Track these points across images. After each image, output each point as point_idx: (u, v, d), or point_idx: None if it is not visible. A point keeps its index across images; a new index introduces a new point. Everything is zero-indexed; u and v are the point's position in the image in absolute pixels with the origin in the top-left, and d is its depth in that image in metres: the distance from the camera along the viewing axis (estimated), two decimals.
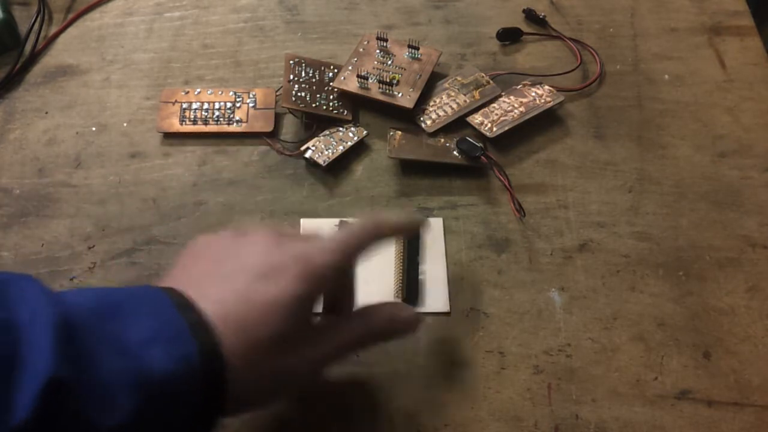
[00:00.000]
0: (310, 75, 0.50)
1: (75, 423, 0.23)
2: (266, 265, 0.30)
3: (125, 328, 0.26)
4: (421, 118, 0.49)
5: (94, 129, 0.50)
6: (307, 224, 0.45)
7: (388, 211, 0.40)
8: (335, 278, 0.32)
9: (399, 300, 0.41)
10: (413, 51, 0.51)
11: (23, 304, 0.25)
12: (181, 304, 0.28)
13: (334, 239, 0.32)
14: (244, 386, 0.28)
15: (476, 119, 0.48)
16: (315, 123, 0.49)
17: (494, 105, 0.49)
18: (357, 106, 0.50)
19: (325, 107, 0.49)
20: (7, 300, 0.25)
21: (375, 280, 0.42)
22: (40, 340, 0.23)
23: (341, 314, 0.35)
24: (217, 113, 0.49)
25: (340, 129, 0.48)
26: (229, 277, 0.30)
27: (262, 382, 0.29)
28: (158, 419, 0.26)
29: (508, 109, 0.49)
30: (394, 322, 0.34)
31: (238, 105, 0.50)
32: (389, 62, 0.51)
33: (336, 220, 0.44)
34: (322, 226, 0.44)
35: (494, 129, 0.47)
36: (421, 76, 0.50)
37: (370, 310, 0.34)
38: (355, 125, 0.49)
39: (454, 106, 0.49)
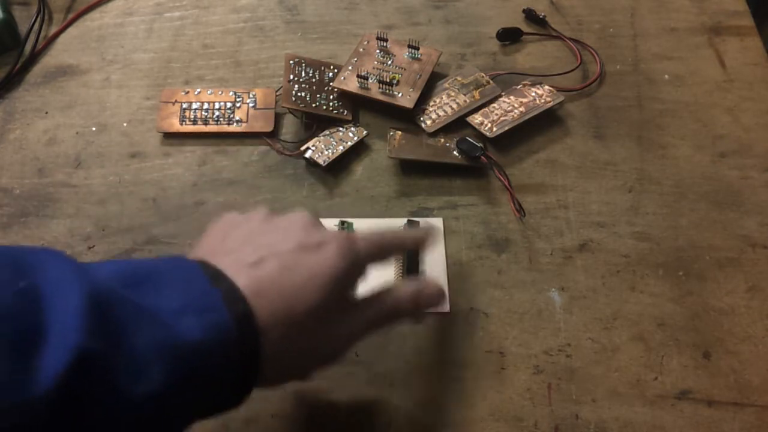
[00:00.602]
0: (310, 75, 0.50)
1: (105, 393, 0.23)
2: (308, 239, 0.29)
3: (156, 298, 0.25)
4: (421, 118, 0.49)
5: (94, 129, 0.50)
6: None
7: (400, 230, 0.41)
8: (366, 266, 0.32)
9: None
10: (413, 51, 0.51)
11: (44, 273, 0.24)
12: (214, 275, 0.27)
13: (370, 234, 0.32)
14: (278, 357, 0.28)
15: (476, 119, 0.48)
16: (315, 123, 0.49)
17: (494, 105, 0.49)
18: (357, 106, 0.50)
19: (325, 107, 0.49)
20: (26, 268, 0.24)
21: (375, 281, 0.42)
22: (67, 310, 0.23)
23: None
24: (217, 113, 0.49)
25: (340, 129, 0.48)
26: (269, 246, 0.29)
27: (296, 355, 0.29)
28: (191, 389, 0.25)
29: (508, 109, 0.49)
30: (421, 295, 0.34)
31: (238, 105, 0.50)
32: (389, 62, 0.51)
33: (336, 220, 0.44)
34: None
35: (494, 129, 0.47)
36: (421, 76, 0.50)
37: (398, 285, 0.34)
38: (355, 125, 0.49)
39: (454, 106, 0.49)
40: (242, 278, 0.27)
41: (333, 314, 0.30)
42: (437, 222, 0.44)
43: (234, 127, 0.49)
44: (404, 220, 0.44)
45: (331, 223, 0.44)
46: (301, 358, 0.29)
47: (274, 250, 0.29)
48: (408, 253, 0.42)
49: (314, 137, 0.48)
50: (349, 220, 0.44)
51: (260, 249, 0.29)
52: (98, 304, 0.24)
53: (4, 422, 0.21)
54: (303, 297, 0.28)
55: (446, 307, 0.41)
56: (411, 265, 0.42)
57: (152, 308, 0.25)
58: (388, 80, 0.48)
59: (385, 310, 0.33)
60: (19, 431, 0.21)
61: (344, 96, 0.50)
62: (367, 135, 0.48)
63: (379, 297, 0.33)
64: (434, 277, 0.42)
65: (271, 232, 0.30)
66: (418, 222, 0.44)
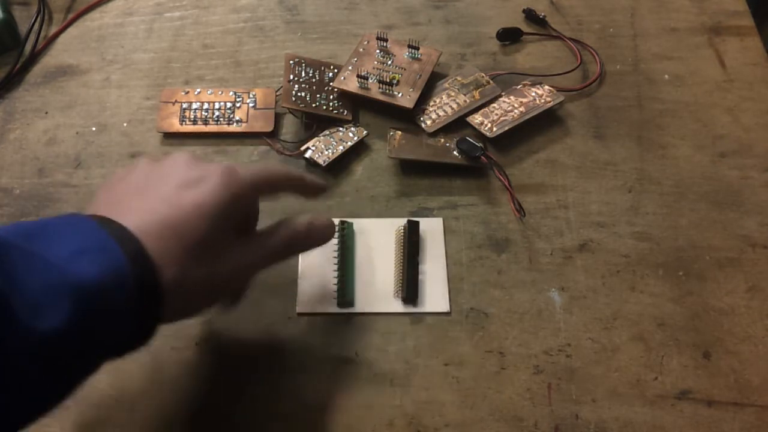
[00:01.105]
0: (310, 75, 0.50)
1: (12, 329, 0.24)
2: (189, 176, 0.32)
3: (51, 246, 0.27)
4: (421, 118, 0.49)
5: (94, 129, 0.50)
6: None
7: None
8: (252, 196, 0.34)
9: (398, 298, 0.42)
10: (413, 51, 0.51)
11: None
12: (103, 221, 0.29)
13: (253, 167, 0.34)
14: (176, 291, 0.29)
15: (476, 119, 0.48)
16: (315, 123, 0.49)
17: (494, 105, 0.49)
18: (357, 106, 0.50)
19: (325, 107, 0.49)
20: None
21: (374, 279, 0.42)
22: None
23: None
24: (217, 113, 0.49)
25: (340, 129, 0.48)
26: (152, 189, 0.31)
27: (195, 286, 0.30)
28: (96, 326, 0.27)
29: (508, 109, 0.49)
30: (312, 226, 0.36)
31: (238, 105, 0.50)
32: (389, 62, 0.51)
33: (336, 221, 0.44)
34: None
35: (494, 129, 0.47)
36: (421, 76, 0.50)
37: (290, 219, 0.36)
38: (355, 125, 0.49)
39: (454, 106, 0.49)
40: (131, 221, 0.29)
41: (224, 242, 0.31)
42: (437, 222, 0.44)
43: (234, 127, 0.49)
44: (404, 220, 0.44)
45: None
46: (201, 289, 0.31)
47: (158, 192, 0.31)
48: (408, 244, 0.42)
49: (314, 137, 0.48)
50: (349, 220, 0.44)
51: (145, 194, 0.31)
52: None
53: None
54: (190, 228, 0.30)
55: (446, 307, 0.41)
56: (410, 264, 0.42)
57: (47, 254, 0.26)
58: (388, 80, 0.48)
59: (281, 240, 0.35)
60: None
61: (344, 96, 0.50)
62: (367, 135, 0.48)
63: (275, 228, 0.35)
64: (436, 277, 0.42)
65: (153, 178, 0.32)
66: (417, 222, 0.44)
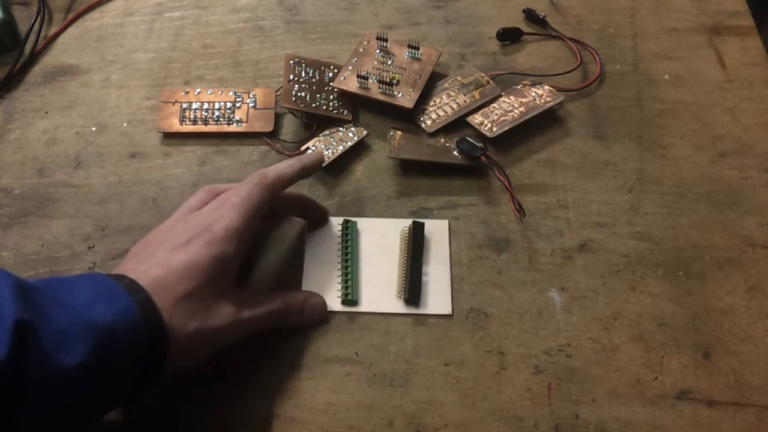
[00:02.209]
0: (310, 75, 0.50)
1: (41, 361, 0.27)
2: (179, 240, 0.36)
3: (70, 296, 0.31)
4: (421, 118, 0.49)
5: (94, 129, 0.50)
6: None
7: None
8: (239, 236, 0.36)
9: (401, 299, 0.42)
10: (413, 51, 0.51)
11: None
12: (116, 276, 0.33)
13: (236, 203, 0.37)
14: (178, 338, 0.33)
15: (476, 119, 0.48)
16: (315, 123, 0.49)
17: (494, 105, 0.49)
18: (357, 106, 0.50)
19: (325, 107, 0.49)
20: None
21: (378, 280, 0.42)
22: (2, 294, 0.28)
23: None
24: (217, 113, 0.49)
25: (340, 129, 0.48)
26: (153, 254, 0.35)
27: (190, 333, 0.34)
28: (112, 362, 0.30)
29: (508, 109, 0.49)
30: (306, 305, 0.40)
31: (238, 105, 0.50)
32: (389, 62, 0.51)
33: (340, 219, 0.44)
34: (326, 224, 0.45)
35: (494, 129, 0.47)
36: (421, 76, 0.50)
37: (288, 292, 0.41)
38: (355, 125, 0.49)
39: (454, 106, 0.49)
40: (139, 277, 0.33)
41: (216, 297, 0.35)
42: (442, 224, 0.44)
43: (234, 127, 0.49)
44: (409, 221, 0.44)
45: (334, 222, 0.44)
46: (195, 340, 0.34)
47: (153, 256, 0.35)
48: (412, 245, 0.42)
49: (314, 137, 0.48)
50: (353, 219, 0.44)
51: (147, 258, 0.35)
52: (23, 289, 0.29)
53: None
54: (182, 285, 0.34)
55: (449, 310, 0.41)
56: (414, 266, 0.42)
57: (67, 302, 0.30)
58: (388, 80, 0.48)
59: (274, 309, 0.39)
60: None
61: (344, 96, 0.50)
62: (367, 135, 0.48)
63: (273, 296, 0.39)
64: (439, 279, 0.42)
65: (156, 243, 0.36)
66: (423, 223, 0.44)
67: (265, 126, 0.49)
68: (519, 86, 0.50)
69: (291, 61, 0.50)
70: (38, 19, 0.55)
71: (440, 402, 0.38)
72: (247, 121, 0.49)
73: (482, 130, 0.48)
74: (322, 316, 0.41)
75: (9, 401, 0.26)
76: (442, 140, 0.48)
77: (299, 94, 0.49)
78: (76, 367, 0.28)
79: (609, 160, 0.48)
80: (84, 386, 0.29)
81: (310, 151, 0.47)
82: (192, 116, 0.49)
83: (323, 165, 0.46)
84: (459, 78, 0.51)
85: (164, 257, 0.35)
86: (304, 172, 0.42)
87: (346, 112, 0.49)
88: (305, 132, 0.49)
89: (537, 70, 0.52)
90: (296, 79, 0.50)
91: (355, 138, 0.48)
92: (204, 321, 0.34)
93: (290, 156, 0.48)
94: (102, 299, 0.31)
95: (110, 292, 0.32)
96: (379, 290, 0.42)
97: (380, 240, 0.44)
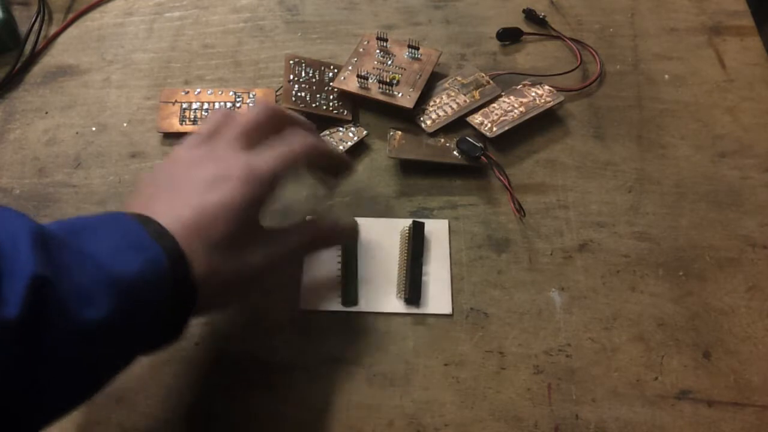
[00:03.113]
0: (310, 75, 0.50)
1: (60, 316, 0.26)
2: (211, 176, 0.33)
3: (95, 243, 0.29)
4: (421, 118, 0.49)
5: (94, 129, 0.50)
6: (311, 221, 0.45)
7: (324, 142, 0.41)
8: (273, 188, 0.35)
9: (401, 299, 0.42)
10: (413, 51, 0.51)
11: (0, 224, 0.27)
12: (142, 219, 0.31)
13: (274, 151, 0.35)
14: (207, 284, 0.31)
15: (476, 119, 0.48)
16: (315, 123, 0.49)
17: (494, 105, 0.49)
18: (357, 106, 0.50)
19: (325, 107, 0.49)
20: None
21: (378, 280, 0.42)
22: (21, 248, 0.26)
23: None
24: None
25: (340, 129, 0.48)
26: (179, 190, 0.33)
27: (224, 279, 0.32)
28: (136, 316, 0.29)
29: (508, 109, 0.49)
30: (337, 226, 0.40)
31: (238, 105, 0.50)
32: (389, 62, 0.51)
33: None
34: None
35: (494, 129, 0.47)
36: (421, 76, 0.50)
37: (317, 219, 0.41)
38: (355, 125, 0.49)
39: (454, 106, 0.49)
40: (166, 220, 0.31)
41: (250, 237, 0.34)
42: (442, 224, 0.44)
43: None
44: (409, 221, 0.44)
45: None
46: (230, 282, 0.33)
47: (182, 195, 0.33)
48: (413, 243, 0.42)
49: None
50: (357, 219, 0.44)
51: (173, 194, 0.33)
52: (46, 242, 0.27)
53: None
54: (213, 229, 0.32)
55: (449, 309, 0.41)
56: (414, 265, 0.42)
57: (91, 251, 0.28)
58: (388, 80, 0.48)
59: (306, 236, 0.38)
60: None
61: (344, 96, 0.50)
62: (367, 135, 0.48)
63: (302, 225, 0.39)
64: (439, 279, 0.42)
65: (181, 178, 0.34)
66: (423, 223, 0.44)
67: None
68: (519, 86, 0.50)
69: (291, 61, 0.50)
70: (38, 19, 0.55)
71: (440, 402, 0.38)
72: None
73: (482, 130, 0.48)
74: (355, 234, 0.42)
75: (27, 356, 0.25)
76: (442, 140, 0.48)
77: (299, 94, 0.49)
78: (99, 321, 0.27)
79: (609, 160, 0.48)
80: (107, 339, 0.28)
81: None
82: (192, 116, 0.49)
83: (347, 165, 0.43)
84: (459, 78, 0.51)
85: (195, 195, 0.32)
86: (328, 160, 0.40)
87: (346, 112, 0.49)
88: None
89: (537, 70, 0.52)
90: (296, 79, 0.50)
91: (355, 138, 0.48)
92: (238, 265, 0.33)
93: None
94: (128, 247, 0.29)
95: (136, 239, 0.30)
96: (379, 290, 0.42)
97: (380, 240, 0.44)
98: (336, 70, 0.51)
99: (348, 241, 0.43)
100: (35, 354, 0.25)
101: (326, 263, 0.43)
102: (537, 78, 0.51)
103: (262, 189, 0.34)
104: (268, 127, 0.37)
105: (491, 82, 0.50)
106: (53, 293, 0.26)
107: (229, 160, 0.34)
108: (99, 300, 0.27)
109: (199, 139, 0.36)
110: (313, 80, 0.50)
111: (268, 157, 0.35)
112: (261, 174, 0.34)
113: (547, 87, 0.50)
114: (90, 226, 0.30)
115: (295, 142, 0.37)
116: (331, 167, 0.42)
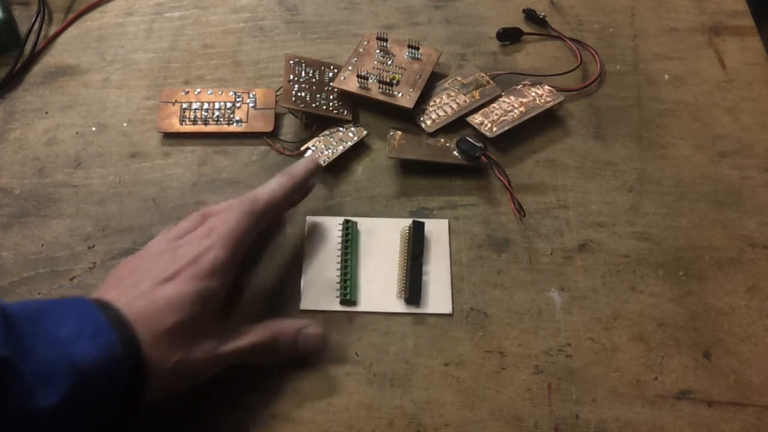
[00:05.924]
0: (310, 75, 0.50)
1: (21, 399, 0.27)
2: (165, 272, 0.35)
3: (54, 328, 0.30)
4: (421, 118, 0.49)
5: (94, 129, 0.50)
6: (311, 221, 0.45)
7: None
8: (226, 270, 0.36)
9: (401, 298, 0.42)
10: (413, 51, 0.51)
11: None
12: (102, 306, 0.32)
13: (222, 234, 0.37)
14: (158, 372, 0.32)
15: (476, 119, 0.48)
16: (315, 123, 0.49)
17: (494, 105, 0.49)
18: (357, 106, 0.50)
19: (325, 107, 0.49)
20: None
21: (378, 280, 0.42)
22: None
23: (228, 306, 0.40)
24: (217, 113, 0.49)
25: (340, 129, 0.48)
26: (138, 284, 0.35)
27: (170, 368, 0.33)
28: (89, 402, 0.30)
29: (508, 109, 0.49)
30: (301, 334, 0.38)
31: (238, 105, 0.50)
32: (389, 62, 0.51)
33: (340, 219, 0.44)
34: (326, 224, 0.44)
35: (494, 129, 0.47)
36: (421, 76, 0.50)
37: (281, 321, 0.39)
38: (355, 125, 0.49)
39: (454, 106, 0.49)
40: (123, 309, 0.33)
41: (200, 330, 0.35)
42: (442, 224, 0.44)
43: (234, 127, 0.49)
44: (409, 221, 0.44)
45: (334, 222, 0.44)
46: (176, 373, 0.33)
47: (138, 287, 0.34)
48: (413, 243, 0.42)
49: (314, 137, 0.48)
50: (353, 219, 0.44)
51: (132, 288, 0.35)
52: (7, 323, 0.28)
53: None
54: (166, 320, 0.33)
55: (449, 309, 0.41)
56: (414, 265, 0.42)
57: (51, 334, 0.30)
58: (388, 80, 0.48)
59: (262, 340, 0.37)
60: None
61: (344, 96, 0.50)
62: (367, 135, 0.48)
63: (262, 327, 0.38)
64: (440, 278, 0.42)
65: (142, 270, 0.36)
66: (423, 223, 0.44)
67: (265, 126, 0.49)
68: (519, 86, 0.50)
69: (291, 61, 0.50)
70: (38, 19, 0.55)
71: (440, 402, 0.38)
72: (247, 121, 0.49)
73: (482, 130, 0.48)
74: (319, 346, 0.39)
75: None
76: (442, 140, 0.48)
77: (299, 94, 0.49)
78: (56, 405, 0.28)
79: (609, 160, 0.48)
80: (62, 423, 0.29)
81: (309, 152, 0.47)
82: (192, 116, 0.49)
83: (322, 168, 0.45)
84: (459, 78, 0.51)
85: (149, 289, 0.34)
86: (298, 187, 0.41)
87: (346, 112, 0.49)
88: (305, 132, 0.49)
89: (537, 70, 0.52)
90: (296, 79, 0.50)
91: (355, 138, 0.48)
92: (185, 355, 0.34)
93: (290, 156, 0.48)
94: (87, 333, 0.30)
95: (95, 325, 0.31)
96: (379, 290, 0.42)
97: (380, 240, 0.44)
98: (336, 70, 0.51)
99: (348, 242, 0.43)
100: None
101: (326, 263, 0.43)
102: (537, 78, 0.51)
103: (211, 280, 0.35)
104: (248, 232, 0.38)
105: (491, 82, 0.50)
106: (16, 375, 0.27)
107: (179, 255, 0.36)
108: (55, 383, 0.28)
109: (169, 235, 0.38)
110: (313, 80, 0.50)
111: (215, 243, 0.36)
112: (207, 267, 0.35)
113: (547, 87, 0.50)
114: (52, 308, 0.31)
115: (233, 212, 0.38)
116: (300, 193, 0.43)
